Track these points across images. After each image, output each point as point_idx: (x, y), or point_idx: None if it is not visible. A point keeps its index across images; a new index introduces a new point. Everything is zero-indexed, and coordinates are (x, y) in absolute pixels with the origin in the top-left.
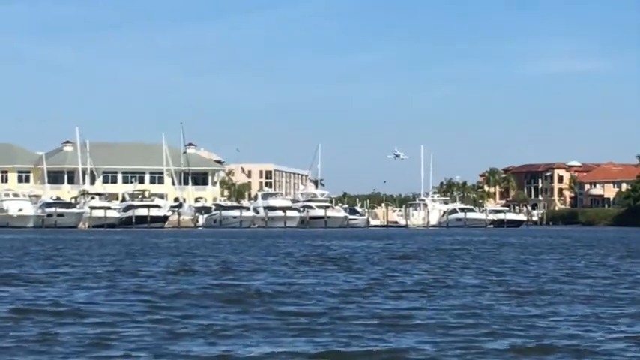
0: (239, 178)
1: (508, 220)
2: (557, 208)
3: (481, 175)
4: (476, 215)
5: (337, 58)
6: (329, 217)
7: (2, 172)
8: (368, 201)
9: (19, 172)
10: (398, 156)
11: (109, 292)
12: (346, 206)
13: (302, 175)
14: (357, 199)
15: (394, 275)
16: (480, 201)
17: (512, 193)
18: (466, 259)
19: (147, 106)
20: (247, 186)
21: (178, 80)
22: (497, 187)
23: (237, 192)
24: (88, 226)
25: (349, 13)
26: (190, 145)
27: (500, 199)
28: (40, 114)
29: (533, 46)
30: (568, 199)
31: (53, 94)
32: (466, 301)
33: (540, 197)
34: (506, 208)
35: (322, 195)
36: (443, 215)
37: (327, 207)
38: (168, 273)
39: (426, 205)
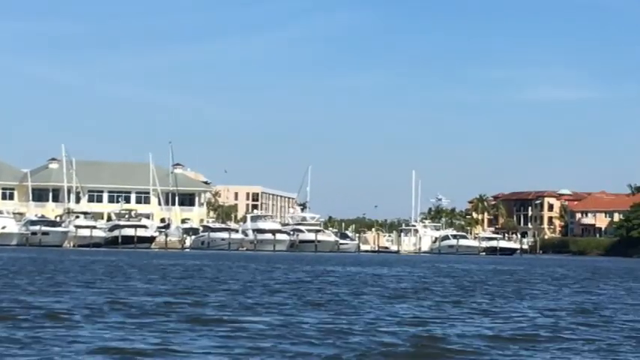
0: (225, 200)
1: (501, 248)
2: (546, 237)
3: (470, 202)
4: (469, 242)
5: (326, 81)
6: (319, 241)
7: None
8: (353, 225)
9: (3, 188)
10: (440, 200)
11: None
12: (335, 230)
13: (289, 198)
14: (343, 224)
15: None
16: (468, 228)
17: (501, 221)
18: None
19: (133, 125)
20: (234, 208)
21: (166, 100)
22: (486, 214)
23: (225, 214)
24: (74, 245)
25: (336, 37)
26: (177, 165)
27: (489, 226)
28: (26, 130)
29: (525, 73)
30: (558, 228)
31: (39, 111)
32: None
33: (530, 225)
34: (499, 236)
35: (313, 218)
36: (435, 241)
37: (318, 231)
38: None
39: (416, 231)
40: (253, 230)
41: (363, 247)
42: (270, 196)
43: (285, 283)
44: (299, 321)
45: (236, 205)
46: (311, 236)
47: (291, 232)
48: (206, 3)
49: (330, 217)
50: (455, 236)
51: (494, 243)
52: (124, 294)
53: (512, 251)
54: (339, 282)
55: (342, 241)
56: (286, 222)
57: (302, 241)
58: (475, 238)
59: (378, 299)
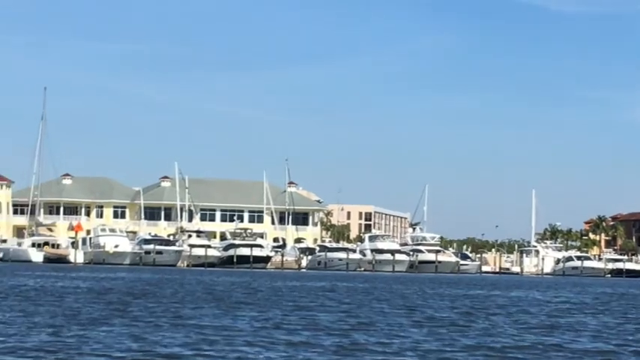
0: (338, 219)
1: (627, 270)
2: None
3: (586, 222)
4: (593, 264)
5: (439, 100)
6: (440, 262)
7: (98, 206)
8: (465, 246)
9: (115, 207)
10: None
11: None
12: (454, 251)
13: (401, 218)
14: (455, 244)
15: None
16: (584, 249)
17: (619, 242)
18: None
19: (246, 143)
20: (346, 227)
21: (279, 120)
22: (604, 235)
23: (338, 233)
24: (188, 265)
25: (450, 56)
26: (291, 183)
27: (607, 247)
28: (139, 149)
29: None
30: None
31: (153, 129)
32: None
33: None
34: (626, 257)
35: (432, 238)
36: (557, 262)
37: (438, 251)
38: None
39: (537, 252)
40: (371, 250)
41: (484, 268)
42: (383, 215)
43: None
44: None
45: (348, 224)
46: (431, 257)
47: (411, 253)
48: (314, 24)
49: (441, 238)
50: (579, 257)
51: (620, 265)
52: None
53: (639, 273)
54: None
55: (462, 262)
56: (404, 242)
57: (421, 262)
58: (599, 259)
59: None
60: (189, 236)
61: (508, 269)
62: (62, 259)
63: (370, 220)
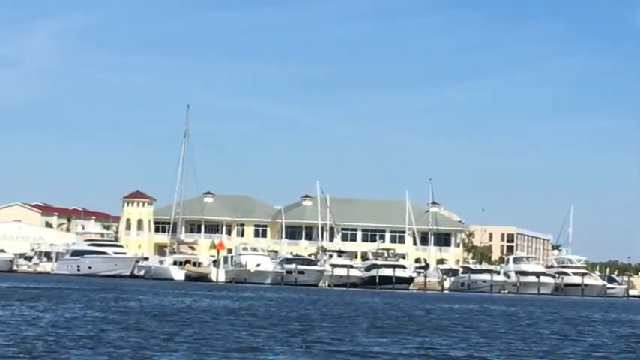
0: (480, 240)
1: None
2: None
3: None
4: None
5: (585, 121)
6: (586, 285)
7: (239, 225)
8: (608, 269)
9: (256, 225)
10: None
11: None
12: (600, 274)
13: (543, 240)
14: (598, 267)
15: None
16: None
17: None
18: None
19: (388, 163)
20: (488, 248)
21: (421, 140)
22: None
23: (481, 254)
24: (329, 285)
25: (595, 78)
26: (434, 203)
27: None
28: (281, 168)
29: None
30: None
31: (295, 149)
32: None
33: None
34: None
35: (579, 261)
36: None
37: (584, 274)
38: None
39: None
40: (516, 272)
41: (630, 292)
42: (525, 237)
43: None
44: None
45: (490, 245)
46: (577, 279)
47: (556, 275)
48: (459, 46)
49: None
50: None
51: None
52: None
53: None
54: None
55: (609, 285)
56: (549, 264)
57: (567, 285)
58: None
59: None
60: (331, 256)
61: None
62: (203, 278)
63: (512, 241)
